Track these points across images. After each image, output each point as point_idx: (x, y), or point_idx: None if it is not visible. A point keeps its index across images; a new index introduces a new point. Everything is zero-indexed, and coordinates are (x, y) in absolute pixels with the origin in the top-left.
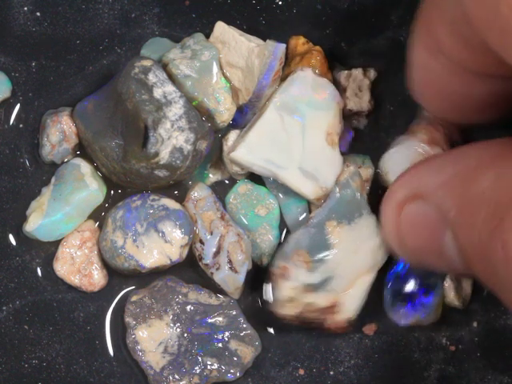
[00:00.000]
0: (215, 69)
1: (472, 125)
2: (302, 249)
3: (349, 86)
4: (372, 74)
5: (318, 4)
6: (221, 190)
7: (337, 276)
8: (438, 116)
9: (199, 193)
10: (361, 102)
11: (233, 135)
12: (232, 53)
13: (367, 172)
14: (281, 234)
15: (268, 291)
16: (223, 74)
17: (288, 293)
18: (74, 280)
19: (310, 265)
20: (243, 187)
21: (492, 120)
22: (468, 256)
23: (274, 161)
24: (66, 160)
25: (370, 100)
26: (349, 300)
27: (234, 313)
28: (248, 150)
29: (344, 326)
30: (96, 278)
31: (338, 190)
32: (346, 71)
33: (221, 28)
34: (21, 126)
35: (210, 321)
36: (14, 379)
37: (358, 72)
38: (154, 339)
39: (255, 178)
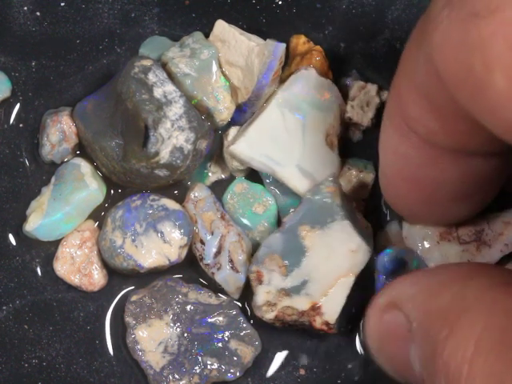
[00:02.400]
0: (214, 67)
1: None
2: (274, 253)
3: (358, 97)
4: (385, 95)
5: (318, 3)
6: (221, 190)
7: (313, 280)
8: (413, 220)
9: (199, 193)
10: (363, 116)
11: (233, 131)
12: (232, 51)
13: (368, 177)
14: None
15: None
16: (222, 72)
17: (264, 297)
18: (74, 280)
19: (283, 269)
20: (239, 186)
21: (470, 215)
22: (422, 369)
23: (272, 157)
24: (65, 160)
25: (373, 118)
26: (327, 303)
27: (234, 312)
28: (248, 144)
29: (324, 328)
30: (96, 278)
31: (309, 195)
32: (362, 82)
33: (221, 26)
34: (21, 125)
35: (209, 320)
36: (14, 379)
37: (372, 88)
38: (153, 339)
39: (256, 179)
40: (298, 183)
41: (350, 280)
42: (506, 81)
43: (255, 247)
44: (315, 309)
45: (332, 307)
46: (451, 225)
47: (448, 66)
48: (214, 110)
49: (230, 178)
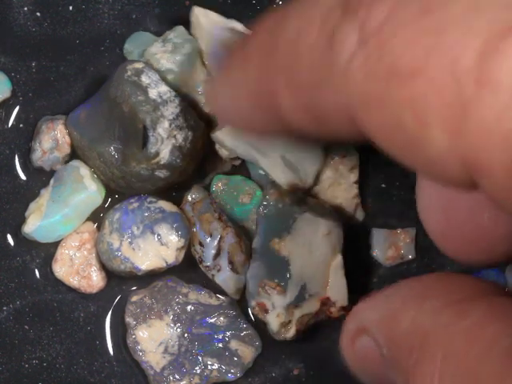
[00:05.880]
0: (197, 60)
1: None
2: (263, 279)
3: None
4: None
5: None
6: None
7: (309, 280)
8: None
9: (196, 195)
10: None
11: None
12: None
13: (353, 159)
14: None
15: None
16: (203, 63)
17: (277, 321)
18: (73, 281)
19: (278, 288)
20: (218, 184)
21: None
22: None
23: (257, 146)
24: (56, 168)
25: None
26: (333, 292)
27: (235, 313)
28: (232, 131)
29: (343, 313)
30: (95, 280)
31: (261, 210)
32: None
33: (197, 12)
34: (21, 126)
35: (210, 321)
36: (14, 379)
37: None
38: (154, 339)
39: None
40: (281, 174)
41: (339, 259)
42: (446, 135)
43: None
44: (326, 303)
45: (339, 292)
46: None
47: (372, 121)
48: (198, 103)
49: (232, 171)
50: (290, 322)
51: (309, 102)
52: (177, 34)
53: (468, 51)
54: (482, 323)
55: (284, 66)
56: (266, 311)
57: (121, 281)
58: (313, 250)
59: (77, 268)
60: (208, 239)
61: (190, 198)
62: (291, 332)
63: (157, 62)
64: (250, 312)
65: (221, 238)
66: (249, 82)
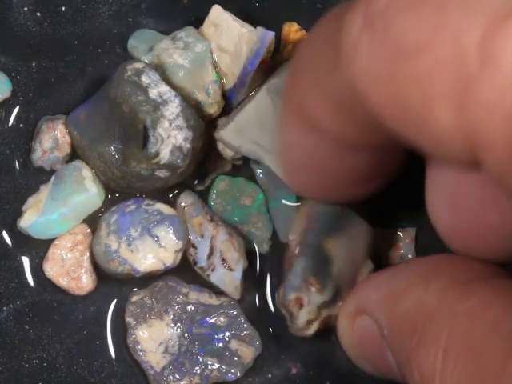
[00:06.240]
0: (208, 61)
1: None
2: (309, 275)
3: None
4: None
5: (319, 4)
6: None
7: (343, 283)
8: (313, 197)
9: (186, 200)
10: None
11: (223, 119)
12: (223, 36)
13: None
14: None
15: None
16: (213, 63)
17: (306, 317)
18: (62, 282)
19: (318, 286)
20: (222, 184)
21: (366, 195)
22: (401, 374)
23: (261, 143)
24: (56, 168)
25: None
26: None
27: (235, 313)
28: (236, 130)
29: None
30: (84, 282)
31: (319, 207)
32: None
33: (216, 11)
34: (21, 125)
35: (210, 321)
36: (14, 379)
37: None
38: (154, 339)
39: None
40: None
41: (370, 266)
42: (450, 111)
43: (254, 238)
44: None
45: None
46: None
47: (378, 100)
48: (203, 104)
49: (233, 171)
50: (315, 320)
51: (328, 94)
52: (187, 33)
53: (472, 29)
54: (485, 304)
55: (306, 71)
56: (301, 306)
57: (120, 281)
58: (355, 253)
59: (67, 269)
60: (200, 240)
61: (181, 204)
62: (312, 329)
63: (169, 57)
64: (276, 302)
65: (212, 238)
66: (287, 102)
